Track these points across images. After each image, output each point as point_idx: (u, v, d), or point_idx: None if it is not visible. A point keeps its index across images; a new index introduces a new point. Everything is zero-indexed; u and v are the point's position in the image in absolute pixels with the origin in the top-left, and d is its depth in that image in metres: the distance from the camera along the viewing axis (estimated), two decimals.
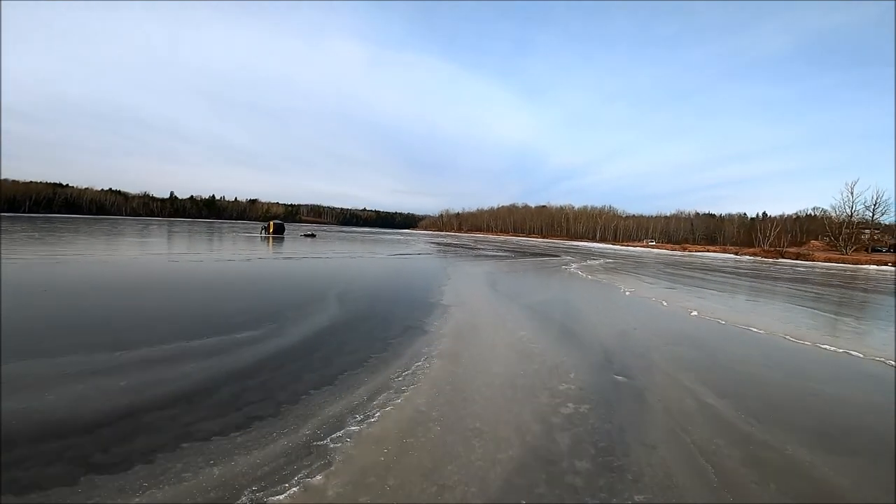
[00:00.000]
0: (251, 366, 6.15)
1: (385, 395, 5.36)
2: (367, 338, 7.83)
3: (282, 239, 45.88)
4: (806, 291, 21.18)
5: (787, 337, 10.00)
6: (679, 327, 10.65)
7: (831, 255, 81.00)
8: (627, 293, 16.44)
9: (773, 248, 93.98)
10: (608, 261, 39.98)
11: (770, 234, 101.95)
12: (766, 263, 59.87)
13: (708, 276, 29.04)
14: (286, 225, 78.08)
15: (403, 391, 5.49)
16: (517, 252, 45.50)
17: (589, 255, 50.88)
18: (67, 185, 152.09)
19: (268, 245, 34.07)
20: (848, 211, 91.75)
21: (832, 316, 13.99)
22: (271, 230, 56.78)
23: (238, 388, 5.37)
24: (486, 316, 10.42)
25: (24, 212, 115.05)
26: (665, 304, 14.25)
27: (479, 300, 12.60)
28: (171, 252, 23.33)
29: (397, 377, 5.97)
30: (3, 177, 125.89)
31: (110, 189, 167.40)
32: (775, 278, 30.37)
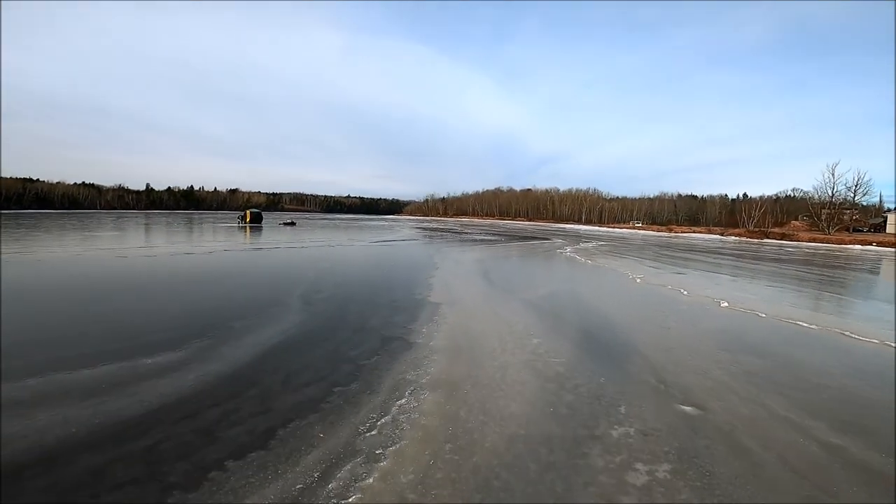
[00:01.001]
0: (143, 415, 4.04)
1: (348, 469, 3.33)
2: (329, 359, 5.74)
3: (260, 228, 43.11)
4: (819, 275, 19.78)
5: (849, 334, 8.26)
6: (719, 325, 8.83)
7: (815, 235, 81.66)
8: (638, 280, 14.64)
9: (757, 229, 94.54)
10: (601, 243, 38.40)
11: (755, 214, 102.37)
12: (753, 244, 59.40)
13: (708, 258, 27.61)
14: (265, 214, 74.75)
15: (378, 460, 3.47)
16: (506, 236, 43.62)
17: (579, 237, 49.34)
18: (38, 179, 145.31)
19: (243, 235, 31.45)
20: (829, 192, 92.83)
21: (872, 304, 12.42)
22: (248, 219, 53.69)
23: (103, 461, 3.27)
24: (485, 317, 8.41)
25: None
26: (685, 293, 12.47)
27: (474, 295, 10.58)
28: (125, 246, 20.71)
29: (368, 431, 3.93)
30: None
31: (83, 183, 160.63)
32: (777, 260, 29.17)
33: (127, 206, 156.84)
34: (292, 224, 54.83)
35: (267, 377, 5.07)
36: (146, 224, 45.38)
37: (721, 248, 40.40)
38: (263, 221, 55.53)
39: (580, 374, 5.58)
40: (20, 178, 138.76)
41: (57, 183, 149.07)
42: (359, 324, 7.44)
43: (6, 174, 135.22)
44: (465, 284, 11.92)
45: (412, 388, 4.86)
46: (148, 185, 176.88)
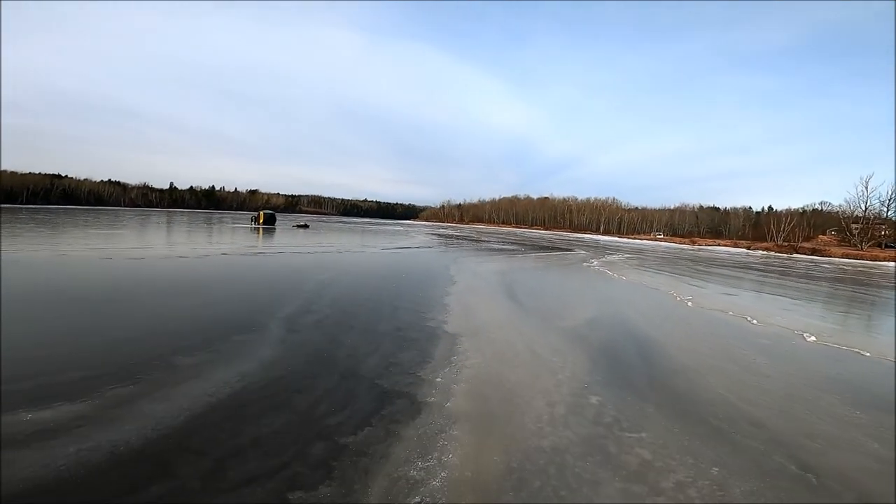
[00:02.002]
0: None
1: None
2: (293, 433, 3.82)
3: (272, 230, 41.88)
4: (888, 298, 17.27)
5: None
6: (821, 367, 6.77)
7: (847, 250, 77.55)
8: (689, 303, 12.47)
9: (786, 243, 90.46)
10: (627, 256, 36.01)
11: (784, 228, 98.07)
12: (784, 259, 56.13)
13: (749, 274, 25.13)
14: (282, 215, 74.05)
15: None
16: (525, 245, 41.49)
17: (602, 249, 46.88)
18: (66, 176, 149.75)
19: (252, 237, 30.09)
20: (862, 206, 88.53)
21: None
22: (261, 220, 52.66)
23: None
24: (518, 358, 6.44)
25: (21, 203, 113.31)
26: (753, 321, 10.32)
27: (500, 322, 8.61)
28: (119, 246, 19.37)
29: None
30: (1, 168, 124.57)
31: (109, 180, 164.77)
32: (823, 278, 26.51)
33: (150, 204, 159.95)
34: (305, 227, 53.61)
35: (184, 465, 3.22)
36: (159, 223, 44.62)
37: (754, 264, 37.63)
38: (277, 223, 54.51)
39: (678, 463, 3.61)
40: (49, 175, 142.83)
41: (84, 180, 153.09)
42: (350, 366, 5.53)
43: (35, 170, 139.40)
44: (488, 306, 9.95)
45: None
46: (171, 183, 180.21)
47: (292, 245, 24.60)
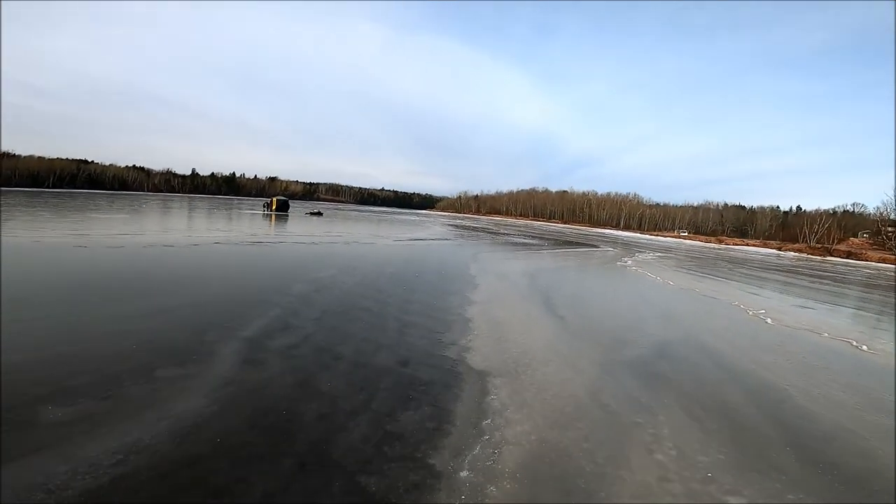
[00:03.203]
0: None
1: None
2: None
3: (285, 217, 40.22)
4: None
5: None
6: None
7: (884, 255, 73.06)
8: (768, 321, 10.05)
9: (819, 245, 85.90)
10: (658, 254, 33.26)
11: (817, 229, 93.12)
12: (818, 262, 52.45)
13: (802, 280, 22.29)
14: (301, 203, 72.63)
15: None
16: (547, 240, 38.95)
17: (627, 245, 44.02)
18: (92, 161, 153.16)
19: (261, 223, 28.34)
20: None
21: None
22: (274, 207, 51.05)
23: None
24: (585, 419, 4.24)
25: (47, 187, 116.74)
26: (862, 346, 7.95)
27: (544, 350, 6.39)
28: (104, 233, 17.75)
29: None
30: (29, 153, 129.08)
31: (134, 166, 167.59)
32: (876, 286, 23.50)
33: (172, 190, 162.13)
34: (319, 214, 51.84)
35: None
36: (170, 207, 43.37)
37: (795, 267, 34.47)
38: (291, 210, 52.92)
39: None
40: (75, 160, 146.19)
41: (109, 165, 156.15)
42: (317, 444, 3.42)
43: (63, 155, 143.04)
44: (522, 323, 7.68)
45: None
46: (193, 169, 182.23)
47: (299, 234, 22.71)
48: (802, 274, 27.50)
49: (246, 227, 25.05)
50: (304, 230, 25.46)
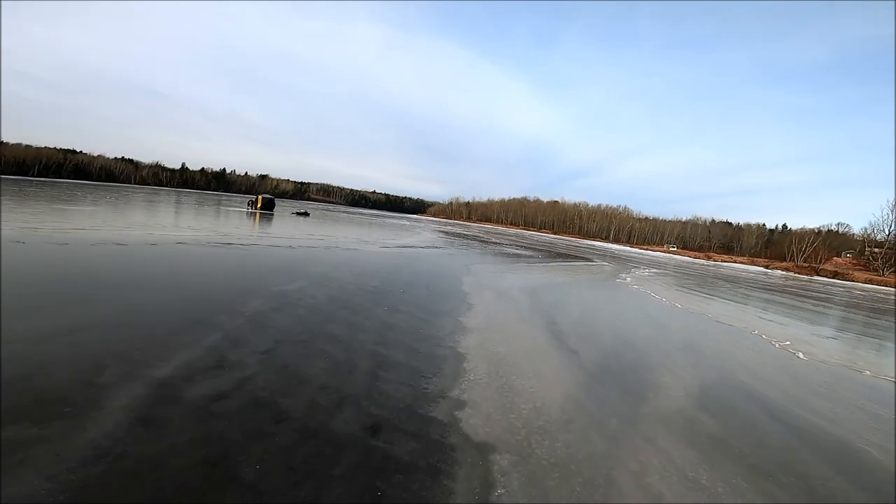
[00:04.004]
0: None
1: None
2: None
3: (270, 216, 38.34)
4: None
5: None
6: None
7: (871, 276, 73.81)
8: (800, 354, 8.82)
9: (807, 265, 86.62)
10: (653, 270, 32.28)
11: (805, 248, 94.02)
12: (805, 281, 52.33)
13: (805, 303, 21.34)
14: (291, 202, 70.54)
15: None
16: (540, 251, 37.76)
17: (620, 259, 43.08)
18: (80, 151, 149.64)
19: (241, 222, 26.57)
20: (886, 230, 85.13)
21: None
22: (259, 205, 48.98)
23: None
24: None
25: (32, 175, 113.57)
26: None
27: (560, 404, 4.99)
28: (62, 227, 15.99)
29: None
30: (17, 141, 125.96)
31: (122, 158, 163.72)
32: (885, 311, 22.73)
33: (160, 183, 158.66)
34: (305, 214, 49.92)
35: None
36: (149, 202, 41.18)
37: (792, 287, 33.83)
38: (277, 209, 50.90)
39: None
40: (63, 150, 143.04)
41: (97, 156, 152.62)
42: None
43: (51, 144, 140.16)
44: (529, 362, 6.11)
45: None
46: (183, 164, 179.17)
47: (278, 235, 21.09)
48: (801, 296, 26.68)
49: (223, 225, 23.31)
50: (285, 231, 23.83)
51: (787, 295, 25.88)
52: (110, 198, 38.86)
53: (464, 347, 6.16)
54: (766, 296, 23.32)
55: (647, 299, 14.66)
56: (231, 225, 23.97)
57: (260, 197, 51.26)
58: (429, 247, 26.12)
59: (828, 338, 11.80)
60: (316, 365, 4.95)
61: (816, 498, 3.53)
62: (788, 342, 10.06)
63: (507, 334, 7.27)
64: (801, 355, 8.84)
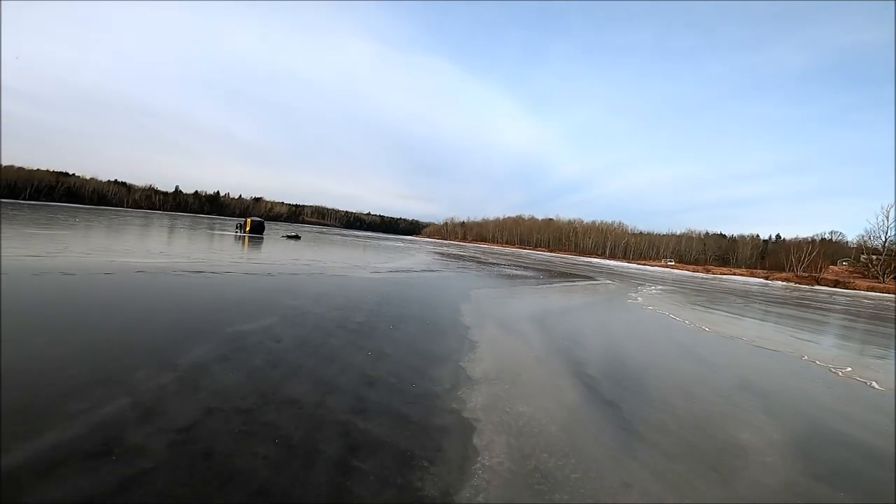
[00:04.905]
0: None
1: None
2: None
3: (259, 240, 36.68)
4: None
5: None
6: None
7: (872, 283, 73.17)
8: (874, 384, 7.32)
9: (807, 274, 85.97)
10: (660, 287, 30.84)
11: (804, 258, 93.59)
12: (809, 290, 51.14)
13: (828, 317, 19.86)
14: (286, 225, 68.97)
15: None
16: (539, 270, 36.28)
17: (622, 276, 41.71)
18: (73, 174, 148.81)
19: (225, 246, 24.92)
20: (882, 236, 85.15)
21: None
22: (248, 228, 47.17)
23: None
24: None
25: (24, 199, 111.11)
26: None
27: (622, 498, 3.47)
28: (21, 254, 14.33)
29: None
30: (8, 163, 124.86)
31: (115, 181, 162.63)
32: None
33: (153, 207, 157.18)
34: (296, 238, 48.19)
35: None
36: (130, 225, 39.39)
37: (803, 299, 32.46)
38: (267, 231, 49.14)
39: None
40: (55, 172, 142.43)
41: (90, 179, 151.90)
42: None
43: (44, 167, 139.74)
44: (561, 428, 4.58)
45: None
46: (177, 187, 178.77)
47: (260, 261, 19.47)
48: (818, 308, 25.29)
49: (203, 250, 21.66)
50: (268, 256, 22.21)
51: (803, 308, 24.47)
52: (93, 222, 37.14)
53: (470, 410, 4.54)
54: (783, 310, 21.89)
55: (669, 323, 13.12)
56: (213, 250, 22.32)
57: (249, 220, 49.34)
58: (424, 270, 24.55)
59: (879, 358, 10.29)
60: (256, 451, 3.34)
61: None
62: (849, 368, 8.54)
63: (525, 386, 5.65)
64: (875, 385, 7.31)
